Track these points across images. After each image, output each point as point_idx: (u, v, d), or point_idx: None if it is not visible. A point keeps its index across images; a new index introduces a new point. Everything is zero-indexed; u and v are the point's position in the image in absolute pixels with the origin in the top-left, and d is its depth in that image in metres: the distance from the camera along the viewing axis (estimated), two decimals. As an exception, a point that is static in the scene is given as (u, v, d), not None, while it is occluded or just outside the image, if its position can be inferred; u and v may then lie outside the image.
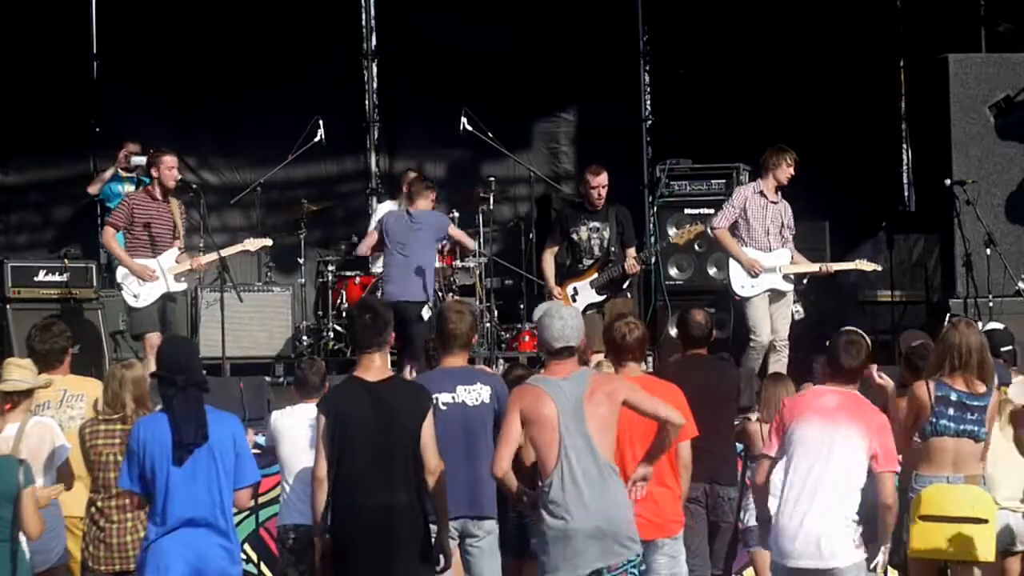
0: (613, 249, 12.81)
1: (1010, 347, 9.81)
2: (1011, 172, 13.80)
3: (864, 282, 15.47)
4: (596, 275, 12.80)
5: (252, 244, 13.09)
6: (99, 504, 8.59)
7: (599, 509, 7.77)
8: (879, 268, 13.23)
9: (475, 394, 8.67)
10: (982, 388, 8.67)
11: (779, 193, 12.70)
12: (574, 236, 12.84)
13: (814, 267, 12.80)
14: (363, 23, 17.19)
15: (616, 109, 17.18)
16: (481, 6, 16.91)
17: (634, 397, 7.95)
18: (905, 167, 17.68)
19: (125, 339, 13.13)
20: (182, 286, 12.64)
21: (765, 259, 12.59)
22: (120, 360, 9.24)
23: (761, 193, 12.67)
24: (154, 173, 12.66)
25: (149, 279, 12.38)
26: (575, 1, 17.09)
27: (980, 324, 9.80)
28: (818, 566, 8.05)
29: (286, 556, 9.87)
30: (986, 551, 8.54)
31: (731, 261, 12.71)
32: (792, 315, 12.80)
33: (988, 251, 13.26)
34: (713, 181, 14.91)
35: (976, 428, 8.63)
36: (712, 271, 14.56)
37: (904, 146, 17.69)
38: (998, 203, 13.74)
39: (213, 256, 12.95)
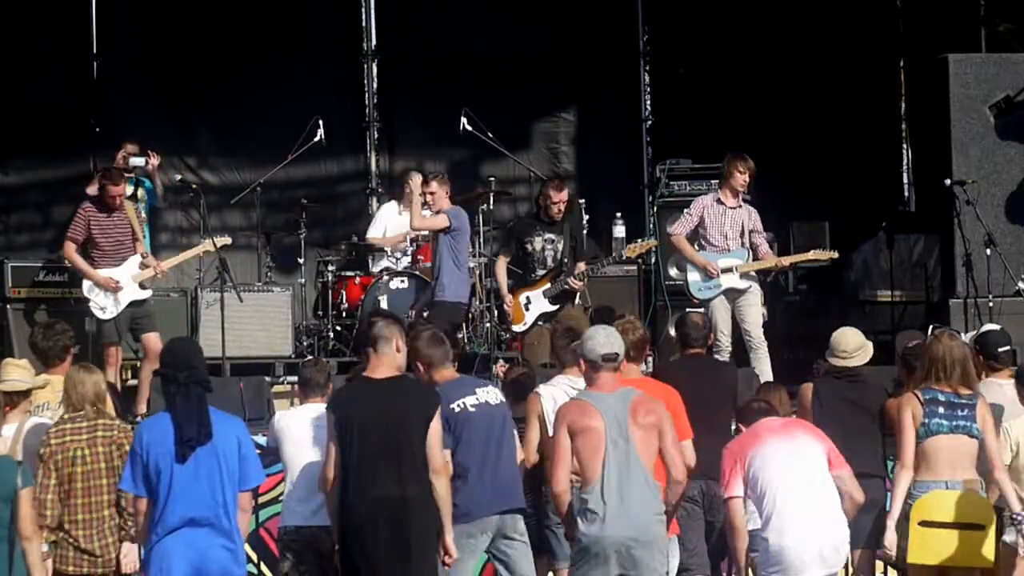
0: (566, 261, 12.96)
1: (1007, 347, 9.79)
2: (1011, 172, 13.79)
3: (864, 282, 15.48)
4: (549, 285, 12.97)
5: (214, 243, 13.12)
6: (69, 504, 8.52)
7: (636, 520, 7.94)
8: (835, 255, 13.28)
9: (493, 394, 8.93)
10: (967, 391, 8.79)
11: (739, 198, 12.80)
12: (528, 246, 13.04)
13: (770, 263, 12.84)
14: (363, 23, 17.19)
15: (616, 109, 17.20)
16: (481, 6, 16.92)
17: (664, 427, 8.12)
18: (905, 167, 17.69)
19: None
20: (147, 293, 12.78)
21: (721, 260, 12.67)
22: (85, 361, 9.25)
23: (718, 200, 12.80)
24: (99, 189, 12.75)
25: (114, 290, 12.50)
26: (575, 1, 17.09)
27: (963, 333, 9.82)
28: (826, 573, 8.21)
29: (286, 557, 9.86)
30: (985, 557, 8.57)
31: (688, 265, 12.82)
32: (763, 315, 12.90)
33: (988, 251, 13.25)
34: (713, 181, 14.85)
35: (969, 424, 8.71)
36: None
37: (904, 146, 17.70)
38: (998, 203, 13.73)
39: (175, 260, 13.34)
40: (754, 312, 12.68)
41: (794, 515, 8.25)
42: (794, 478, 8.30)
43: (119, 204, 12.72)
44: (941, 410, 8.70)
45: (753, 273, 12.77)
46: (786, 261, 13.04)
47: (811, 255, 13.12)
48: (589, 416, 8.02)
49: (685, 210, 13.10)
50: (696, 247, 12.82)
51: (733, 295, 12.69)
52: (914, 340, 10.01)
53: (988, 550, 8.55)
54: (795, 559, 8.22)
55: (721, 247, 12.76)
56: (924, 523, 8.54)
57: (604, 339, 8.14)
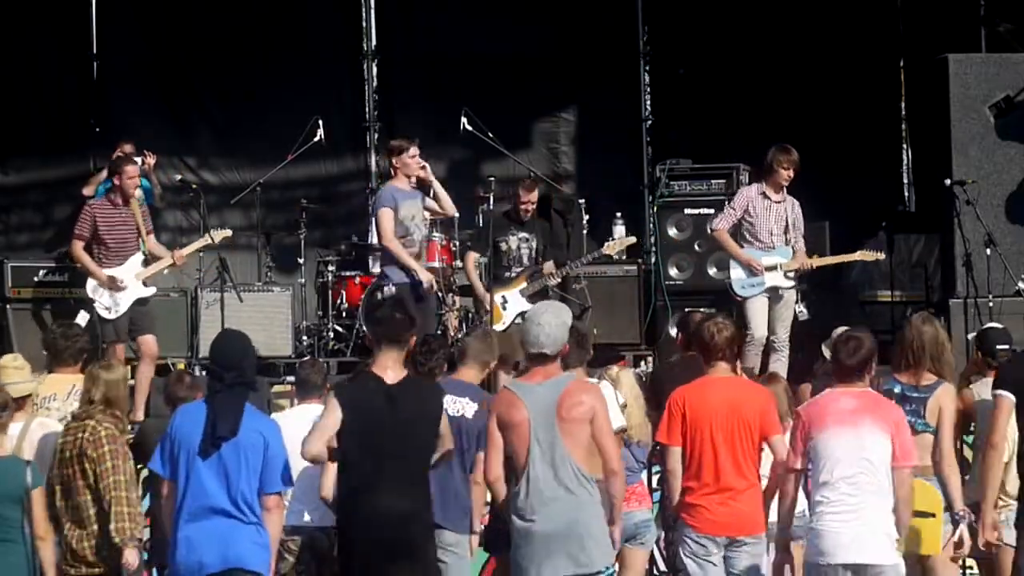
0: (540, 260, 12.94)
1: (1007, 346, 9.78)
2: (1011, 172, 13.80)
3: (864, 282, 15.48)
4: (525, 284, 12.89)
5: (215, 236, 13.14)
6: (70, 504, 8.42)
7: (561, 514, 7.85)
8: (881, 256, 13.28)
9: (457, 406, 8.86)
10: (928, 381, 8.75)
11: (783, 192, 12.74)
12: (503, 245, 12.99)
13: (800, 262, 12.78)
14: (363, 23, 17.21)
15: (616, 109, 17.21)
16: (481, 6, 16.93)
17: (597, 419, 7.97)
18: (905, 167, 17.70)
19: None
20: (150, 291, 12.79)
21: (765, 258, 12.61)
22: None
23: (764, 194, 12.72)
24: (115, 180, 12.72)
25: (118, 290, 12.51)
26: (575, 1, 17.10)
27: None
28: (867, 561, 8.09)
29: (284, 557, 9.86)
30: (931, 545, 8.60)
31: (731, 261, 12.75)
32: (796, 315, 12.84)
33: (988, 251, 13.26)
34: (713, 181, 14.90)
35: (913, 420, 8.62)
36: (712, 271, 14.55)
37: (904, 146, 17.71)
38: (998, 203, 13.74)
39: (190, 248, 13.22)
40: (787, 313, 12.63)
41: (841, 504, 8.14)
42: (850, 468, 8.12)
43: (135, 187, 12.69)
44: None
45: (793, 273, 12.73)
46: (833, 261, 12.89)
47: (859, 255, 13.05)
48: (515, 409, 7.94)
49: (727, 204, 12.97)
50: (740, 243, 12.72)
51: (774, 294, 12.64)
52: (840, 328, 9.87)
53: (936, 539, 8.58)
54: (830, 545, 8.14)
55: (767, 244, 12.67)
56: None
57: (534, 337, 8.00)
